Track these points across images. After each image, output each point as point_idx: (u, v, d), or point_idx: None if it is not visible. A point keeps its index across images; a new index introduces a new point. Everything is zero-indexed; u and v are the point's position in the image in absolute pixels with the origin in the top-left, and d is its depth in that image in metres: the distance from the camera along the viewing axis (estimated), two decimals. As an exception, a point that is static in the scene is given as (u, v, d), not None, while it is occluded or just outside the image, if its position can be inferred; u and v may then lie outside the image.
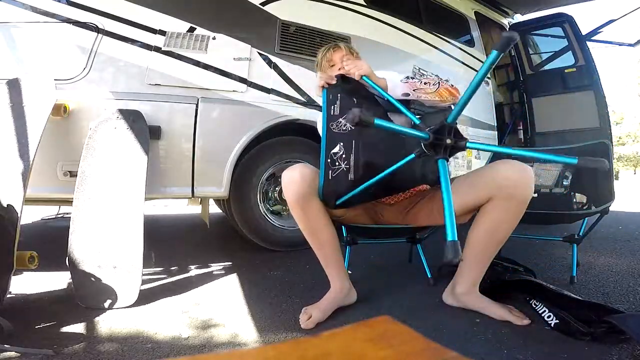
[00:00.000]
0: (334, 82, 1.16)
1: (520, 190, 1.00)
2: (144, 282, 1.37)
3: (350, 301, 1.23)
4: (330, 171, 1.07)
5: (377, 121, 0.83)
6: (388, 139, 1.13)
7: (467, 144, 0.91)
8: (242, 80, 1.82)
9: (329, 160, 1.07)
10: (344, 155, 1.09)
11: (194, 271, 1.70)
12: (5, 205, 1.21)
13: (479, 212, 1.08)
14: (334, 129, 1.11)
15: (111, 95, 1.59)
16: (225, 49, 1.81)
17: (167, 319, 1.16)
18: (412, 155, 0.93)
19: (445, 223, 0.77)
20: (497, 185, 1.01)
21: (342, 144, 1.09)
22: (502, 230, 1.06)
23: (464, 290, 1.15)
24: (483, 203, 1.05)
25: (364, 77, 1.13)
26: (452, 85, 1.20)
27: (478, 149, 1.03)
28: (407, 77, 1.24)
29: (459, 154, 2.66)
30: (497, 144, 3.08)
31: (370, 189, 1.05)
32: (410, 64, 2.52)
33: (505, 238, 1.08)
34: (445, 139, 0.88)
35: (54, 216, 3.34)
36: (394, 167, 0.98)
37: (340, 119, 1.11)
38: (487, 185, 1.03)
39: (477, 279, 1.14)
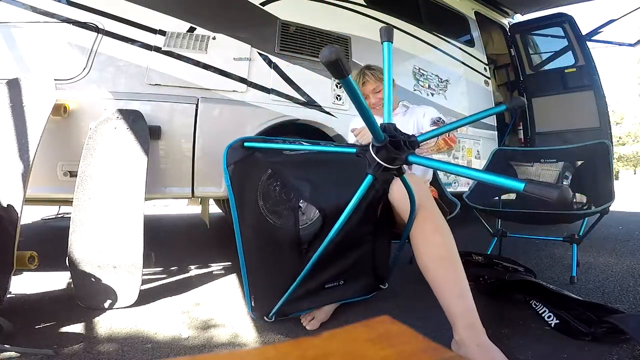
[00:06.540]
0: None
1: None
2: (144, 282, 1.37)
3: None
4: None
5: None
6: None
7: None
8: (242, 80, 1.82)
9: None
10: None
11: (194, 271, 1.69)
12: (5, 205, 1.21)
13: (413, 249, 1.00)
14: None
15: (111, 95, 1.59)
16: (225, 49, 1.81)
17: (167, 319, 1.16)
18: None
19: None
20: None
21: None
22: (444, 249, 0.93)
23: (460, 337, 0.87)
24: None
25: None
26: (451, 135, 1.22)
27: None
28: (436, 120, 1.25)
29: (458, 155, 2.66)
30: (497, 144, 3.08)
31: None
32: (410, 64, 2.52)
33: (454, 253, 0.93)
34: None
35: (54, 216, 3.34)
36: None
37: None
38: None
39: (468, 318, 0.86)
